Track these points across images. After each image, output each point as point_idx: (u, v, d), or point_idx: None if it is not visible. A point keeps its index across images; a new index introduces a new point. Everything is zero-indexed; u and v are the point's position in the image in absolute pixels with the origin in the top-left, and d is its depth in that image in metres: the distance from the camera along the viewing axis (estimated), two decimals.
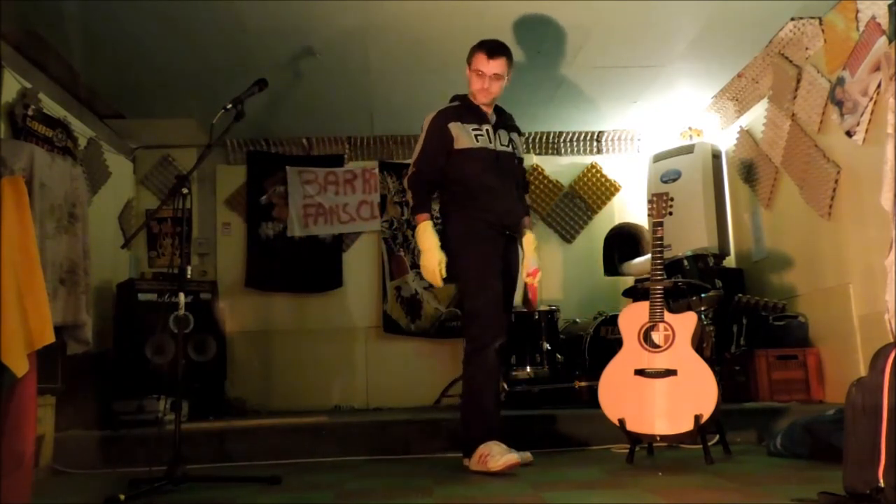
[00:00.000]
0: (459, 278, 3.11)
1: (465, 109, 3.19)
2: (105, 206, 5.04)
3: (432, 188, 3.19)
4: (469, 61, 3.17)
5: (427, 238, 3.05)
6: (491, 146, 3.13)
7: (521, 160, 3.32)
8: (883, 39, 3.51)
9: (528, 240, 3.26)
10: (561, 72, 4.73)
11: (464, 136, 3.10)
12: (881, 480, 1.68)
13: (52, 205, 3.27)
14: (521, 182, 3.35)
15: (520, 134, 3.38)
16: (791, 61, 4.40)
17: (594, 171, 6.01)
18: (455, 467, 3.02)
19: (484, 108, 3.20)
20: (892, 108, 2.61)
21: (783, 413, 3.58)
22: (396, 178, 5.88)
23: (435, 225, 3.11)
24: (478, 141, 3.11)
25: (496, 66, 3.10)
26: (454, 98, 3.27)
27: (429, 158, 3.13)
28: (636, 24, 4.16)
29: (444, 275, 3.03)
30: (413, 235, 5.88)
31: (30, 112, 4.05)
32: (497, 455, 2.75)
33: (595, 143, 6.02)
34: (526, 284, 3.27)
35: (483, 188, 3.08)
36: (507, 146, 3.20)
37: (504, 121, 3.28)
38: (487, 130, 3.15)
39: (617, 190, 6.03)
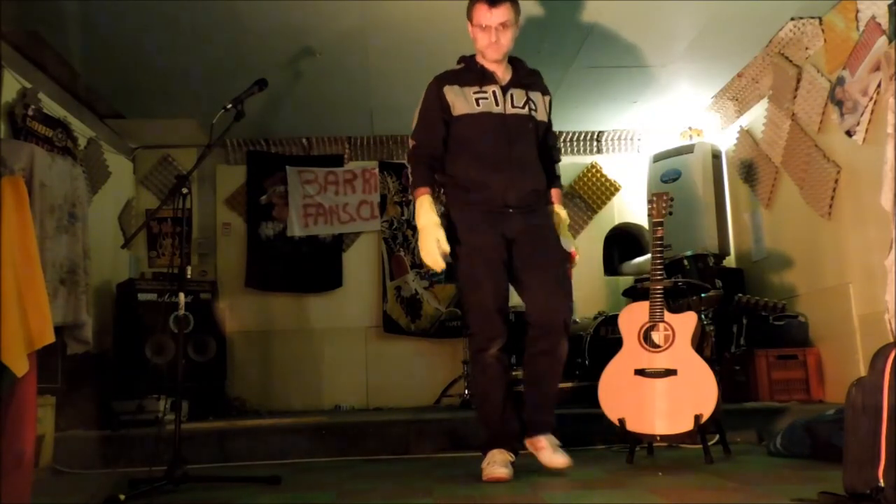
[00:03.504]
0: (456, 276, 2.85)
1: (466, 71, 2.81)
2: (105, 206, 5.04)
3: (433, 162, 2.77)
4: (469, 17, 2.78)
5: (423, 214, 2.66)
6: (497, 109, 2.72)
7: (543, 124, 2.85)
8: (883, 39, 3.51)
9: (557, 218, 2.84)
10: (561, 72, 4.73)
11: (461, 101, 2.73)
12: (881, 480, 1.68)
13: (52, 205, 3.27)
14: (546, 149, 2.89)
15: (544, 93, 2.90)
16: (791, 61, 4.40)
17: (594, 170, 6.01)
18: (455, 467, 3.02)
19: (491, 67, 2.79)
20: (892, 108, 2.61)
21: (783, 413, 3.58)
22: (396, 178, 5.88)
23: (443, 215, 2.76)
24: (479, 105, 2.72)
25: (501, 13, 2.70)
26: (461, 59, 2.89)
27: (426, 129, 2.78)
28: (636, 24, 4.16)
29: (447, 250, 2.64)
30: (413, 235, 5.93)
31: (30, 112, 4.05)
32: (491, 465, 2.60)
33: (595, 143, 6.02)
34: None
35: (481, 160, 2.69)
36: (523, 108, 2.76)
37: (520, 78, 2.84)
38: (494, 92, 2.74)
39: (617, 190, 6.03)
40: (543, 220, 2.81)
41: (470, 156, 2.71)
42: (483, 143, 2.71)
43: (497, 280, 2.69)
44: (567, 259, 2.81)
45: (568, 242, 2.82)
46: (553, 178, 2.90)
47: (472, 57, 2.84)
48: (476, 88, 2.75)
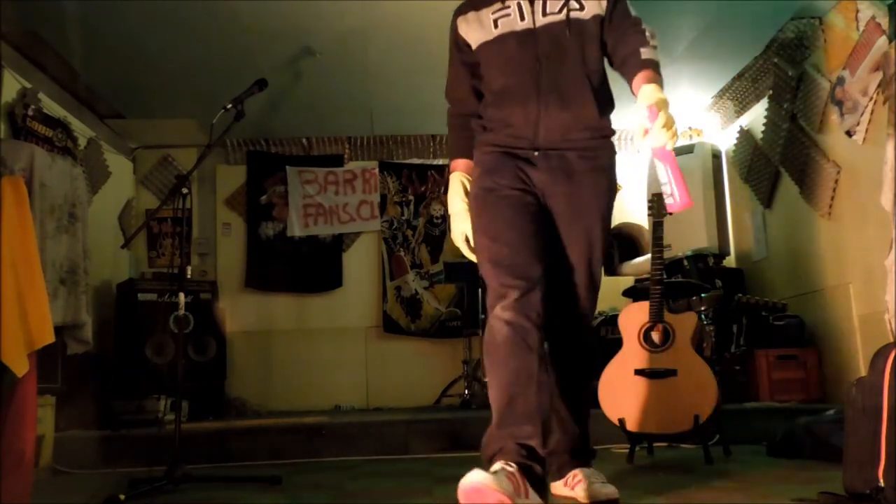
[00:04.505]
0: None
1: None
2: (105, 206, 5.04)
3: (466, 122, 2.24)
4: None
5: (451, 197, 2.21)
6: (522, 25, 2.07)
7: (595, 19, 2.10)
8: (883, 39, 3.51)
9: (648, 90, 1.93)
10: None
11: (475, 30, 2.15)
12: (881, 480, 1.68)
13: (52, 205, 3.27)
14: (614, 44, 2.11)
15: None
16: (791, 61, 4.39)
17: None
18: (455, 467, 3.02)
19: None
20: (893, 108, 2.61)
21: (783, 413, 3.58)
22: (396, 178, 5.88)
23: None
24: (497, 27, 2.10)
25: None
26: None
27: (452, 83, 2.28)
28: None
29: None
30: (413, 235, 5.94)
31: (30, 112, 4.05)
32: (476, 472, 1.71)
33: None
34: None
35: (503, 94, 2.10)
36: (559, 12, 2.06)
37: None
38: (518, 4, 2.08)
39: (617, 190, 6.02)
40: (593, 170, 2.08)
41: (491, 92, 2.14)
42: (504, 73, 2.09)
43: (511, 217, 2.00)
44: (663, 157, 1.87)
45: (665, 135, 1.82)
46: (636, 64, 2.03)
47: None
48: (497, 7, 2.11)
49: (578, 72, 2.07)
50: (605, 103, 2.13)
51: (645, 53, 2.05)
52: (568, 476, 2.13)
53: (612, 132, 2.15)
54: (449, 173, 2.26)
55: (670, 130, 1.81)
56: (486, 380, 1.95)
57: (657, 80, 1.98)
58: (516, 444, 1.78)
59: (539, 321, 1.88)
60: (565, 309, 2.10)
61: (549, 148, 2.06)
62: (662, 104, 1.85)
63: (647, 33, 2.11)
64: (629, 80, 2.03)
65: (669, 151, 1.82)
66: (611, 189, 2.13)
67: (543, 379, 1.92)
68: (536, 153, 2.06)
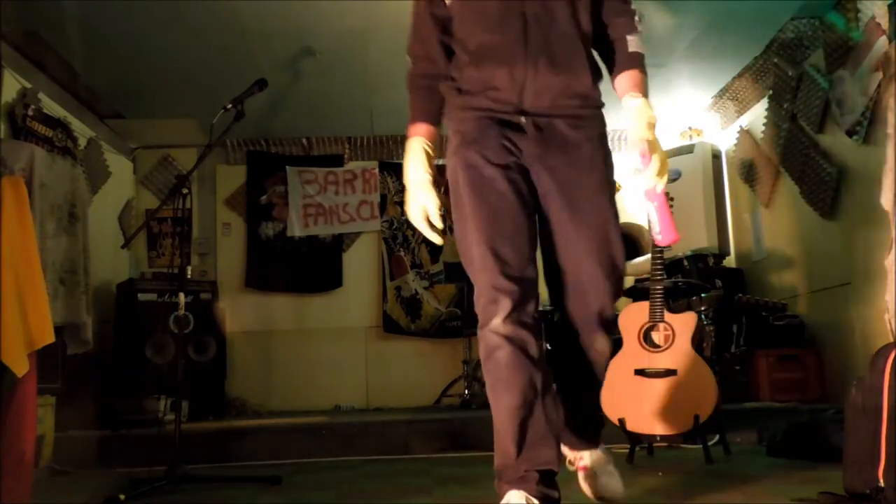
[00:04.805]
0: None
1: None
2: (105, 206, 5.04)
3: (433, 83, 1.93)
4: None
5: (409, 164, 1.87)
6: None
7: None
8: (883, 39, 3.51)
9: (636, 112, 1.82)
10: None
11: None
12: (881, 480, 1.68)
13: (52, 205, 3.27)
14: (604, 15, 1.89)
15: None
16: (791, 61, 4.39)
17: None
18: (455, 467, 3.02)
19: None
20: (892, 108, 2.61)
21: (783, 413, 3.58)
22: (396, 178, 5.87)
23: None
24: None
25: None
26: None
27: (417, 37, 1.99)
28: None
29: (438, 225, 1.85)
30: (413, 235, 5.94)
31: (30, 112, 4.05)
32: None
33: None
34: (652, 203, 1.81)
35: (482, 51, 1.81)
36: None
37: None
38: None
39: (617, 190, 6.00)
40: (586, 140, 1.82)
41: (468, 51, 1.84)
42: (486, 29, 1.81)
43: (499, 205, 1.75)
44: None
45: (654, 164, 1.74)
46: (624, 57, 1.88)
47: None
48: None
49: (571, 33, 1.81)
50: (596, 71, 1.88)
51: (632, 44, 1.88)
52: (573, 456, 1.99)
53: (603, 104, 1.90)
54: (408, 137, 1.91)
55: (663, 176, 1.75)
56: (489, 399, 1.74)
57: (644, 84, 1.88)
58: (536, 473, 1.68)
59: (536, 324, 1.73)
60: (581, 302, 1.79)
61: (537, 114, 1.79)
62: (655, 146, 1.76)
63: (636, 16, 1.93)
64: (612, 71, 1.90)
65: (660, 193, 1.78)
66: (609, 161, 1.88)
67: (550, 386, 1.77)
68: (524, 119, 1.79)
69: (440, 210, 1.84)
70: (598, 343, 1.84)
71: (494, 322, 1.69)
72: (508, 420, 1.69)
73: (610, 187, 1.86)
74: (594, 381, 1.96)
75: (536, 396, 1.70)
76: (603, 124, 1.91)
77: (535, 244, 1.81)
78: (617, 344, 3.04)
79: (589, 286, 1.78)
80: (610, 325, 1.85)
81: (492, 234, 1.72)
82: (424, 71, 1.96)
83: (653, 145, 1.76)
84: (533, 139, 1.79)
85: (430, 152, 1.88)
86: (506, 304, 1.67)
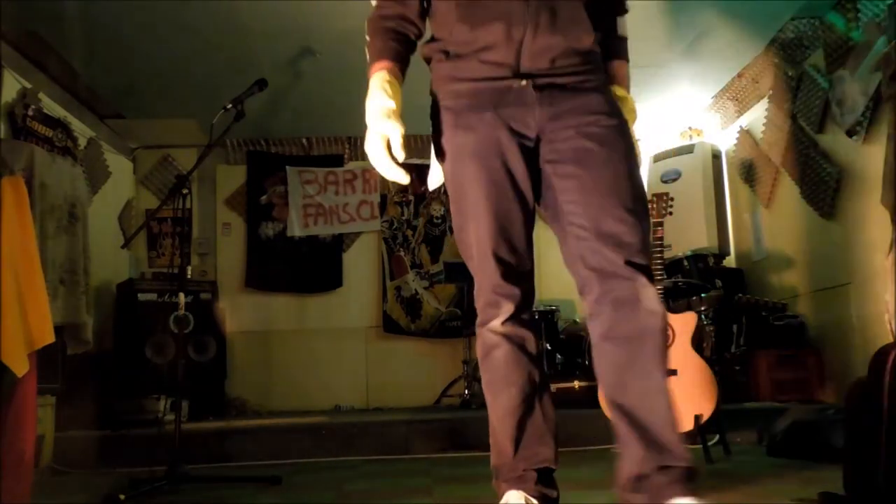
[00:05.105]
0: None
1: None
2: (105, 206, 5.04)
3: (402, 28, 1.76)
4: None
5: (368, 97, 1.70)
6: None
7: None
8: (883, 39, 3.51)
9: (624, 110, 1.71)
10: None
11: None
12: (881, 480, 1.68)
13: (52, 205, 3.28)
14: None
15: None
16: (791, 61, 4.39)
17: None
18: (455, 467, 3.02)
19: None
20: (893, 108, 2.61)
21: (783, 413, 3.58)
22: None
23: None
24: None
25: None
26: None
27: None
28: (636, 24, 4.14)
29: (399, 155, 1.64)
30: (413, 235, 5.94)
31: (30, 112, 4.05)
32: None
33: None
34: None
35: (472, 6, 1.63)
36: None
37: None
38: None
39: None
40: (593, 90, 1.64)
41: (454, 5, 1.65)
42: None
43: (501, 201, 1.62)
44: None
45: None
46: (614, 42, 1.79)
47: None
48: None
49: None
50: (597, 30, 1.67)
51: (622, 27, 1.82)
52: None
53: (601, 65, 1.72)
54: (369, 78, 1.72)
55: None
56: (486, 398, 1.69)
57: (628, 76, 1.81)
58: (535, 472, 1.64)
59: (532, 316, 1.70)
60: (613, 251, 1.54)
61: (539, 73, 1.60)
62: (633, 118, 1.75)
63: None
64: (605, 49, 1.74)
65: None
66: (618, 108, 1.68)
67: (547, 384, 1.72)
68: (523, 82, 1.60)
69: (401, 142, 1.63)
70: (647, 296, 1.52)
71: (494, 323, 1.65)
72: (506, 417, 1.65)
73: (625, 133, 1.65)
74: (660, 371, 1.52)
75: (535, 393, 1.66)
76: (606, 78, 1.73)
77: (531, 234, 1.69)
78: None
79: (617, 229, 1.54)
80: (651, 275, 1.57)
81: (493, 234, 1.62)
82: (389, 12, 1.76)
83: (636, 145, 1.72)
84: (535, 103, 1.60)
85: (395, 84, 1.68)
86: (507, 308, 1.63)
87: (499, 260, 1.63)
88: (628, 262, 1.53)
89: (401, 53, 1.73)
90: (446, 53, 1.69)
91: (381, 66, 1.71)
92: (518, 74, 1.61)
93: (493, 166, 1.62)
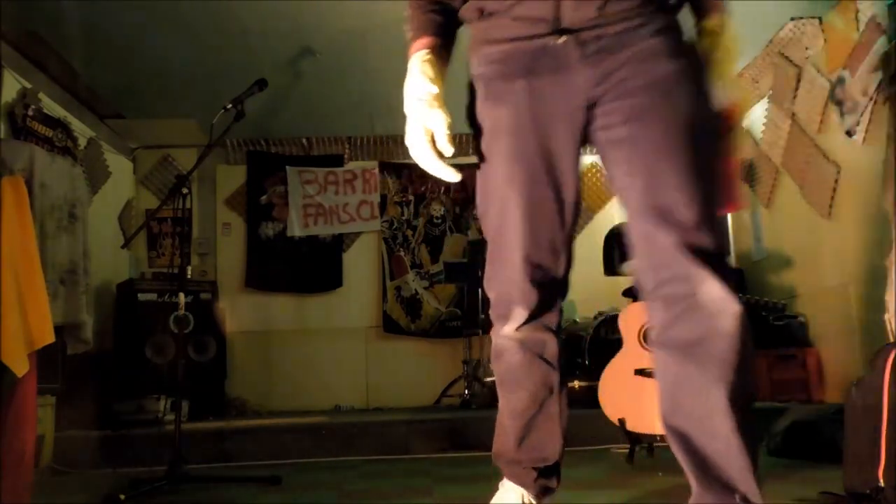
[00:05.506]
0: None
1: None
2: (105, 206, 5.04)
3: (440, 5, 1.48)
4: None
5: (408, 81, 1.41)
6: None
7: None
8: (883, 39, 3.51)
9: (710, 41, 1.49)
10: None
11: None
12: (881, 480, 1.68)
13: (52, 205, 3.27)
14: None
15: None
16: (791, 61, 4.39)
17: (594, 171, 6.01)
18: (455, 467, 3.02)
19: None
20: (893, 108, 2.61)
21: (783, 413, 3.58)
22: (396, 178, 5.88)
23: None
24: None
25: None
26: None
27: None
28: None
29: (448, 149, 1.35)
30: (413, 235, 5.94)
31: (30, 112, 4.05)
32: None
33: None
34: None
35: None
36: None
37: None
38: None
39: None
40: (657, 43, 1.31)
41: None
42: None
43: (531, 187, 1.36)
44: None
45: (727, 88, 1.42)
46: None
47: None
48: None
49: None
50: None
51: None
52: None
53: (671, 5, 1.39)
54: (409, 57, 1.46)
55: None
56: (497, 389, 1.57)
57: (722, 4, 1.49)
58: (534, 470, 1.52)
59: (559, 322, 1.49)
60: (659, 263, 1.25)
61: (580, 28, 1.30)
62: (728, 49, 1.46)
63: None
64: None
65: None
66: (685, 49, 1.36)
67: (565, 384, 1.55)
68: (562, 38, 1.30)
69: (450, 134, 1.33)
70: (708, 290, 1.22)
71: (506, 329, 1.46)
72: (515, 417, 1.52)
73: (692, 76, 1.32)
74: (724, 387, 1.21)
75: (550, 395, 1.50)
76: (673, 24, 1.38)
77: (567, 230, 1.43)
78: (617, 344, 3.05)
79: (670, 200, 1.23)
80: (720, 261, 1.24)
81: (515, 224, 1.37)
82: None
83: (744, 107, 1.43)
84: (577, 64, 1.30)
85: (436, 63, 1.42)
86: (520, 314, 1.42)
87: (523, 258, 1.38)
88: (684, 245, 1.21)
89: (443, 26, 1.45)
90: (481, 12, 1.41)
91: (420, 45, 1.43)
92: (558, 30, 1.30)
93: (524, 147, 1.35)
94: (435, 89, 1.36)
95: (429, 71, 1.39)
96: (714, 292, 1.22)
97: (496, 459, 1.59)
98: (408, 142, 1.38)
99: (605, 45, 1.30)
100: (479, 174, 1.46)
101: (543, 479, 1.54)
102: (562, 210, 1.39)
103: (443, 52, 1.44)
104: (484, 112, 1.42)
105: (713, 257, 1.22)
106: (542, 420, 1.51)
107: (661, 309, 1.27)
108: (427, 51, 1.42)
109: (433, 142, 1.35)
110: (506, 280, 1.43)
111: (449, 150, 1.34)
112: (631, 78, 1.28)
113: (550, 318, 1.47)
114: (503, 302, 1.46)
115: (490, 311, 1.52)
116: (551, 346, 1.48)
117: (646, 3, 1.32)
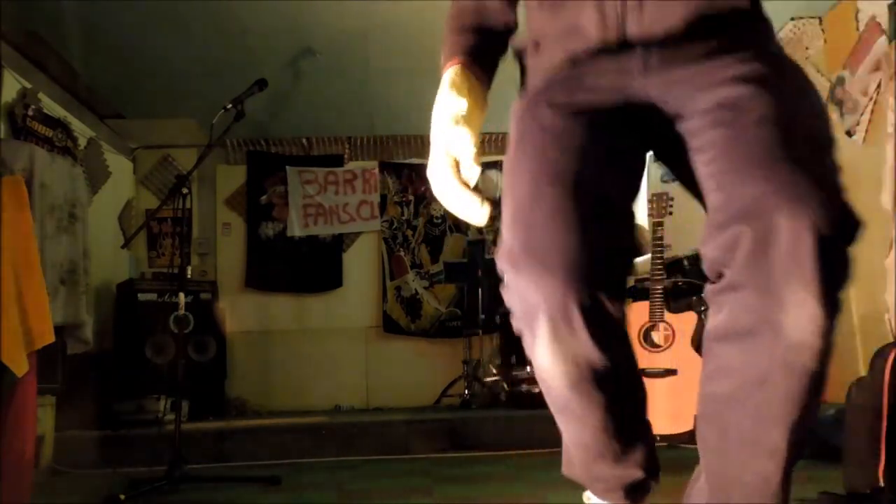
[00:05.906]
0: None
1: None
2: (105, 206, 5.04)
3: (479, 18, 1.26)
4: None
5: (438, 98, 1.17)
6: None
7: None
8: (883, 39, 3.51)
9: None
10: None
11: None
12: (881, 480, 1.68)
13: (52, 205, 3.27)
14: None
15: None
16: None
17: None
18: (455, 467, 3.02)
19: None
20: (892, 108, 2.61)
21: None
22: (396, 178, 5.87)
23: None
24: None
25: None
26: None
27: None
28: None
29: (472, 170, 1.08)
30: (413, 235, 5.93)
31: (30, 112, 4.05)
32: None
33: None
34: None
35: None
36: None
37: None
38: None
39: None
40: (755, 65, 1.04)
41: None
42: None
43: (561, 164, 1.07)
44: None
45: None
46: None
47: None
48: None
49: None
50: None
51: None
52: None
53: (765, 16, 1.14)
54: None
55: None
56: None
57: None
58: (622, 488, 1.29)
59: (610, 326, 1.12)
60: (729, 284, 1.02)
61: (653, 41, 1.08)
62: None
63: None
64: None
65: None
66: (775, 47, 1.13)
67: (644, 396, 1.32)
68: (638, 49, 1.09)
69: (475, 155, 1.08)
70: (792, 322, 0.94)
71: (539, 352, 1.09)
72: (579, 446, 1.27)
73: (789, 71, 1.10)
74: (783, 425, 0.99)
75: (622, 425, 1.22)
76: (771, 40, 1.14)
77: (626, 220, 1.21)
78: None
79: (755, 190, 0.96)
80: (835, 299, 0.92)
81: (548, 220, 1.03)
82: (468, 4, 1.28)
83: None
84: (654, 70, 1.10)
85: (469, 79, 1.18)
86: (544, 326, 1.05)
87: (549, 261, 1.04)
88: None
89: (479, 48, 1.23)
90: (537, 45, 1.23)
91: (451, 64, 1.21)
92: (623, 41, 1.10)
93: (562, 127, 1.11)
94: (463, 104, 1.12)
95: (459, 83, 1.16)
96: (799, 321, 1.00)
97: (579, 477, 1.39)
98: (429, 174, 1.13)
99: (670, 56, 1.10)
100: (513, 156, 1.19)
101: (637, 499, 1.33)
102: (612, 188, 1.21)
103: (478, 70, 1.21)
104: (532, 111, 1.18)
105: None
106: (612, 440, 1.26)
107: (726, 346, 1.08)
108: (460, 66, 1.19)
109: (458, 169, 1.09)
110: (528, 294, 1.09)
111: (475, 173, 1.09)
112: (717, 71, 1.07)
113: (604, 317, 1.12)
114: (528, 324, 1.13)
115: (515, 314, 1.17)
116: (608, 374, 1.22)
117: (734, 17, 1.10)
